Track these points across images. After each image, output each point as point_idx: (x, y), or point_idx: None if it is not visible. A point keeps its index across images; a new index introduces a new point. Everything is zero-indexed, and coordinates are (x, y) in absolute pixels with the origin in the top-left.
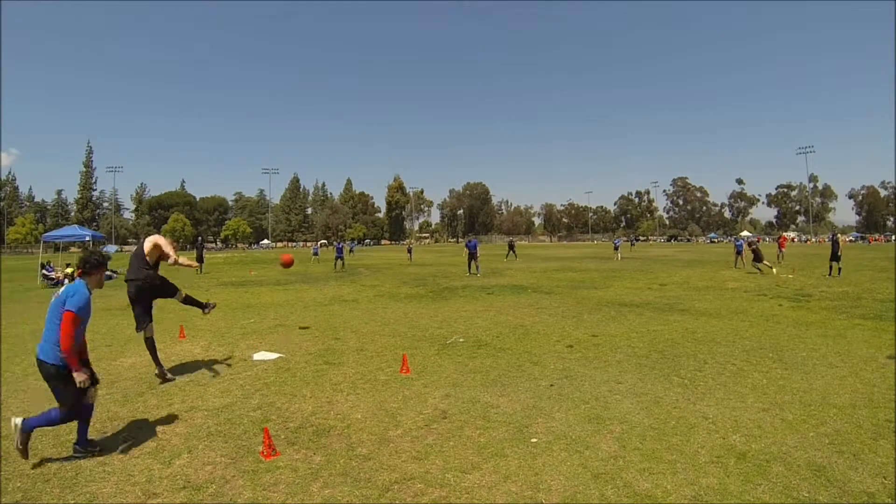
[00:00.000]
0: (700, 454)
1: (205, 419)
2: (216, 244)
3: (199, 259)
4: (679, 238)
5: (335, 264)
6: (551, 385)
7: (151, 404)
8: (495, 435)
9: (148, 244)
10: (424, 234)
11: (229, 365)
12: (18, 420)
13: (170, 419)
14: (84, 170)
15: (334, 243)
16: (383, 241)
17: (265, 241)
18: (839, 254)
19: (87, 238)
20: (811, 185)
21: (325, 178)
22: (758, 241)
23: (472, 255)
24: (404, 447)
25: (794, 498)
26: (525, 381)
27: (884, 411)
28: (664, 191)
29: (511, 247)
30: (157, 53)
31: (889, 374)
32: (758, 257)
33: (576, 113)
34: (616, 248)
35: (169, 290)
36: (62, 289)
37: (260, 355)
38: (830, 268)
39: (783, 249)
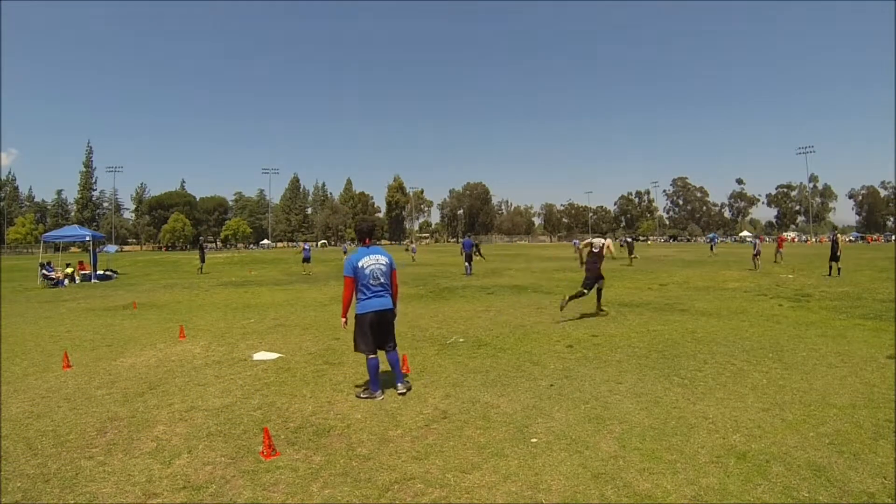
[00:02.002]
0: (700, 454)
1: (205, 419)
2: (216, 244)
3: (202, 259)
4: (679, 238)
5: (304, 268)
6: (551, 385)
7: (151, 404)
8: (495, 435)
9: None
10: (424, 234)
11: (229, 365)
12: None
13: (170, 419)
14: (84, 170)
15: (302, 245)
16: (383, 241)
17: (265, 241)
18: (839, 254)
19: (87, 238)
20: (811, 185)
21: (325, 178)
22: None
23: (469, 255)
24: (404, 447)
25: (794, 498)
26: (525, 381)
27: (884, 411)
28: (664, 191)
29: (476, 248)
30: (157, 53)
31: (889, 374)
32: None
33: (576, 113)
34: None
35: None
36: None
37: (260, 355)
38: (830, 268)
39: (781, 250)
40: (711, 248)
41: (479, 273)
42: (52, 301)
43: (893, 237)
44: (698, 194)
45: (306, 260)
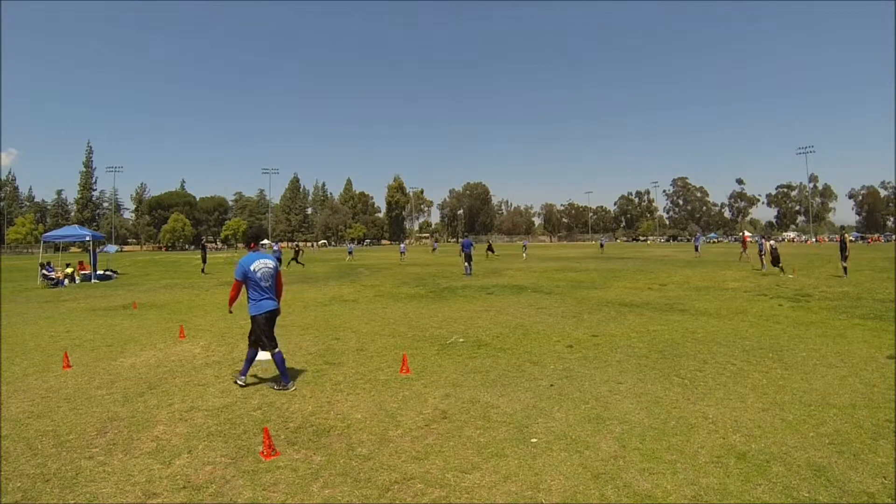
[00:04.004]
0: (700, 454)
1: (205, 419)
2: (216, 244)
3: (204, 260)
4: (679, 238)
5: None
6: (551, 385)
7: (151, 404)
8: (495, 435)
9: None
10: (424, 234)
11: (229, 365)
12: None
13: (170, 419)
14: (84, 170)
15: (272, 246)
16: (383, 241)
17: (265, 242)
18: (847, 253)
19: (87, 238)
20: (811, 185)
21: (325, 178)
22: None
23: (468, 255)
24: (404, 447)
25: (794, 498)
26: (525, 381)
27: (884, 411)
28: (664, 191)
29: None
30: (157, 53)
31: (889, 374)
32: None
33: (576, 113)
34: (601, 246)
35: None
36: None
37: (260, 355)
38: (844, 268)
39: (745, 251)
40: (696, 250)
41: (479, 273)
42: (52, 301)
43: (893, 237)
44: (698, 194)
45: (294, 260)
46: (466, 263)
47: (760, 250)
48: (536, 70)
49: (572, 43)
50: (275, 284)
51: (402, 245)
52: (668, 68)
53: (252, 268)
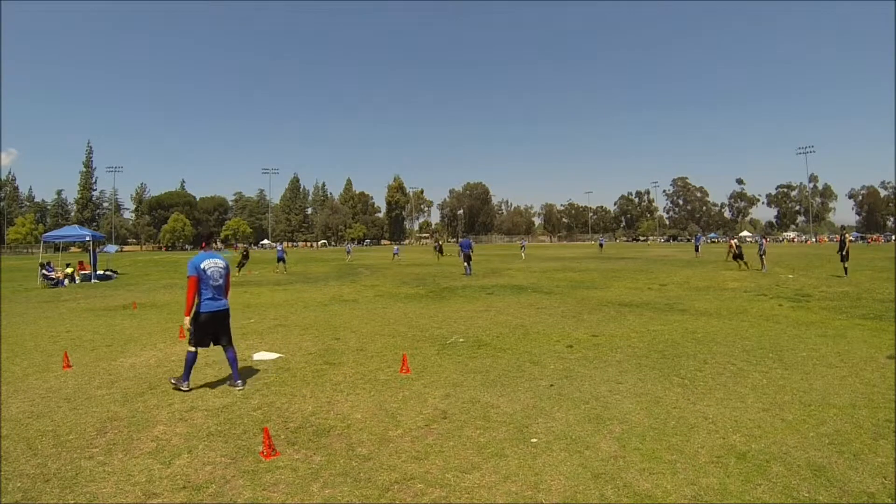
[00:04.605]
0: (700, 454)
1: (205, 419)
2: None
3: None
4: (679, 238)
5: (276, 268)
6: (551, 385)
7: (151, 404)
8: (495, 435)
9: None
10: (424, 234)
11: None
12: None
13: (170, 419)
14: (84, 170)
15: (276, 246)
16: (383, 241)
17: (265, 241)
18: (845, 253)
19: (87, 238)
20: (811, 185)
21: (325, 178)
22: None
23: (468, 256)
24: (404, 447)
25: (794, 498)
26: (525, 381)
27: (884, 411)
28: (664, 191)
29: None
30: (157, 53)
31: (889, 374)
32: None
33: (576, 113)
34: (601, 246)
35: None
36: None
37: (260, 355)
38: (845, 269)
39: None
40: (696, 250)
41: (479, 273)
42: (52, 301)
43: (893, 237)
44: (698, 194)
45: (280, 260)
46: (466, 264)
47: (760, 250)
48: (536, 70)
49: (572, 43)
50: (224, 284)
51: (395, 247)
52: (668, 68)
53: (203, 266)
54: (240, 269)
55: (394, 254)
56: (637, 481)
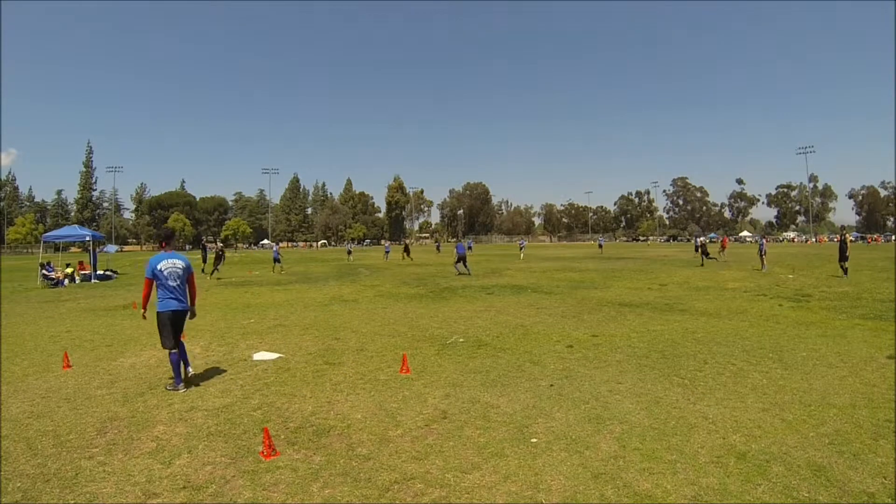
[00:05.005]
0: (700, 454)
1: (205, 419)
2: (216, 244)
3: (204, 260)
4: (679, 238)
5: (273, 268)
6: (551, 385)
7: (151, 404)
8: (495, 435)
9: None
10: (424, 234)
11: (229, 365)
12: None
13: (170, 419)
14: (84, 170)
15: (273, 247)
16: (383, 241)
17: (265, 241)
18: (847, 254)
19: (87, 238)
20: (811, 185)
21: (325, 178)
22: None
23: (462, 257)
24: (404, 447)
25: (794, 498)
26: (525, 381)
27: (884, 411)
28: (664, 191)
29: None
30: (157, 53)
31: (889, 374)
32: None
33: (576, 112)
34: (600, 246)
35: None
36: None
37: (260, 355)
38: (843, 269)
39: (725, 249)
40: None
41: (479, 273)
42: (52, 301)
43: (893, 237)
44: (698, 194)
45: (276, 261)
46: (460, 264)
47: (761, 250)
48: (536, 70)
49: (572, 42)
50: (184, 285)
51: (386, 245)
52: (667, 68)
53: (159, 266)
54: (212, 273)
55: (385, 252)
56: (637, 481)
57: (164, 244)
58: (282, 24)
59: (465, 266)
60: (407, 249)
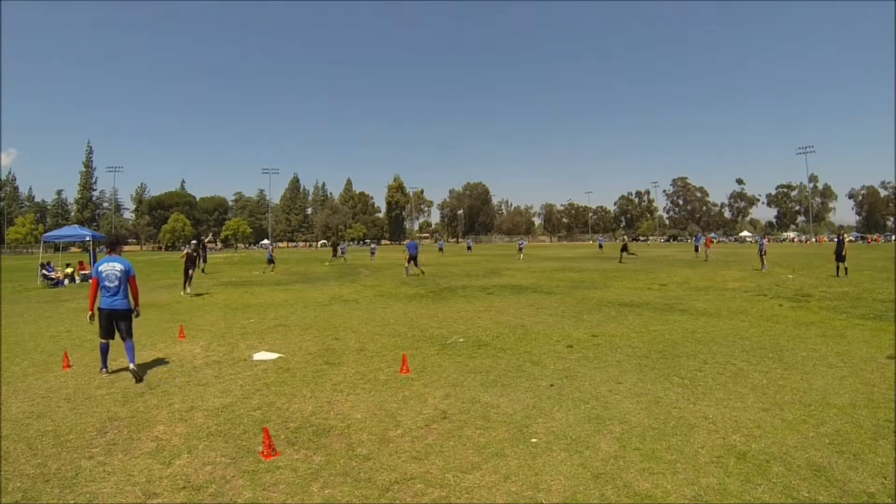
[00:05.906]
0: (700, 454)
1: (205, 419)
2: (216, 244)
3: (204, 259)
4: (679, 238)
5: (266, 268)
6: (551, 385)
7: (151, 404)
8: (495, 435)
9: None
10: (424, 234)
11: (229, 365)
12: None
13: (170, 419)
14: (84, 170)
15: (267, 247)
16: (383, 241)
17: (265, 241)
18: (844, 254)
19: (87, 238)
20: (811, 185)
21: (325, 178)
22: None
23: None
24: (404, 447)
25: (794, 498)
26: (525, 381)
27: (884, 411)
28: (664, 191)
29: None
30: (157, 53)
31: (889, 374)
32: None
33: (576, 112)
34: (600, 247)
35: None
36: None
37: (260, 355)
38: (837, 268)
39: (709, 248)
40: (696, 250)
41: (479, 273)
42: (52, 301)
43: (893, 237)
44: (698, 194)
45: (270, 262)
46: (411, 264)
47: (761, 250)
48: (536, 70)
49: (572, 42)
50: (122, 286)
51: (372, 246)
52: (667, 67)
53: (100, 269)
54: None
55: (371, 254)
56: (637, 481)
57: (110, 249)
58: (282, 23)
59: (416, 265)
60: (337, 250)
